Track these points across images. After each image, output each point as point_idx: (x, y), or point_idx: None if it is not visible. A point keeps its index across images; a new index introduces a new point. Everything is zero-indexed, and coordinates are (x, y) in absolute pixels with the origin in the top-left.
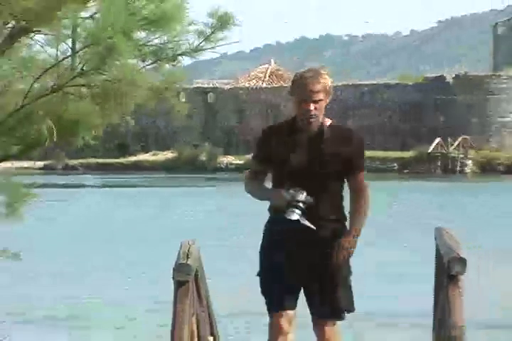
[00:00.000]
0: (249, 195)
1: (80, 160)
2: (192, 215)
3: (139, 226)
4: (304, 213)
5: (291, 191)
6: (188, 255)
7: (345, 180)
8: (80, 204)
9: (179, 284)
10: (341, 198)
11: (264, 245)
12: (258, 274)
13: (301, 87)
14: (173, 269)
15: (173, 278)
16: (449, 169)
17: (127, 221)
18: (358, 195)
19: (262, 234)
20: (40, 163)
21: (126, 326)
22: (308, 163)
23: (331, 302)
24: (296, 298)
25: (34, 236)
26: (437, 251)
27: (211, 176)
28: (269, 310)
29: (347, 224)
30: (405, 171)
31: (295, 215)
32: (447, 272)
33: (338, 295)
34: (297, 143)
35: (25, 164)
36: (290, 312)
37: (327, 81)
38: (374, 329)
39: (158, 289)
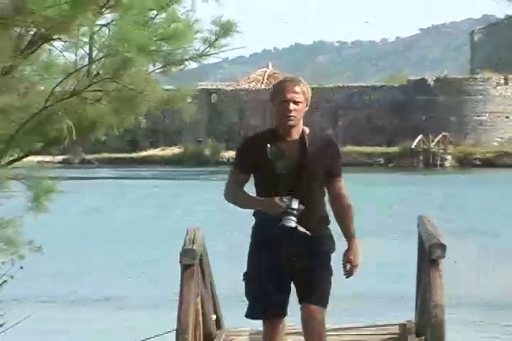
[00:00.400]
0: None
1: (95, 155)
2: (199, 203)
3: (150, 219)
4: (299, 220)
5: (284, 199)
6: (193, 241)
7: (326, 186)
8: (92, 195)
9: (185, 267)
10: (324, 202)
11: (252, 248)
12: (244, 277)
13: (280, 90)
14: (180, 254)
15: (180, 262)
16: (430, 163)
17: (139, 212)
18: (344, 201)
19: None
20: (59, 158)
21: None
22: (293, 170)
23: (320, 291)
24: (287, 302)
25: (48, 224)
26: (419, 237)
27: (214, 169)
28: (258, 316)
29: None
30: (390, 165)
31: (292, 223)
32: (429, 256)
33: (324, 286)
34: (281, 150)
35: (46, 158)
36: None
37: (306, 88)
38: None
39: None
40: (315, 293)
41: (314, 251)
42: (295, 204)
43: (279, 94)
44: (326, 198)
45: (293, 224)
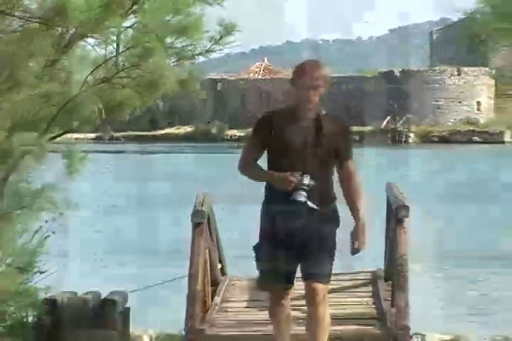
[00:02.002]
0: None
1: (122, 133)
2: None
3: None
4: (308, 195)
5: (296, 175)
6: (202, 203)
7: (336, 167)
8: (120, 167)
9: (196, 225)
10: (333, 181)
11: (262, 220)
12: (254, 248)
13: (302, 75)
14: (191, 214)
15: (191, 220)
16: (397, 140)
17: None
18: (353, 180)
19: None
20: (92, 135)
21: None
22: (306, 148)
23: (323, 268)
24: (294, 274)
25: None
26: (388, 200)
27: (220, 145)
28: (267, 283)
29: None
30: (364, 141)
31: (303, 197)
32: (395, 216)
33: (327, 262)
34: (297, 130)
35: (81, 136)
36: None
37: (325, 71)
38: None
39: None
40: (318, 271)
41: (320, 226)
42: (306, 180)
43: (301, 79)
44: (335, 178)
45: (303, 199)
